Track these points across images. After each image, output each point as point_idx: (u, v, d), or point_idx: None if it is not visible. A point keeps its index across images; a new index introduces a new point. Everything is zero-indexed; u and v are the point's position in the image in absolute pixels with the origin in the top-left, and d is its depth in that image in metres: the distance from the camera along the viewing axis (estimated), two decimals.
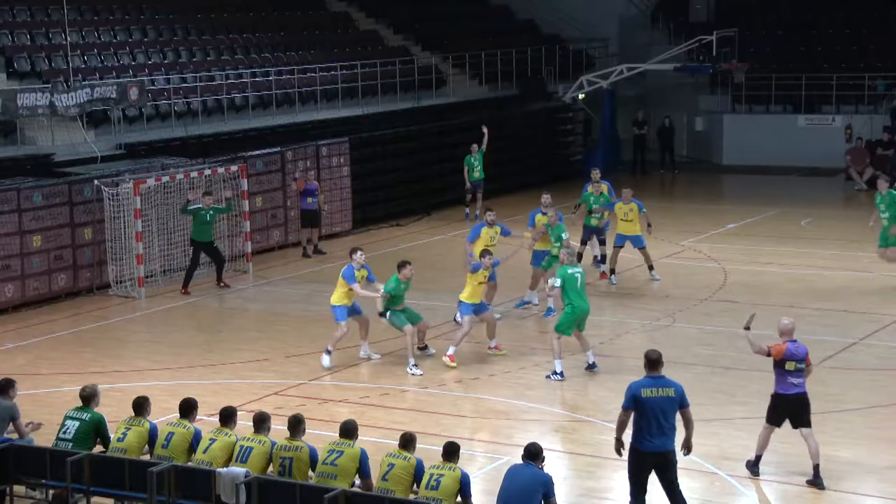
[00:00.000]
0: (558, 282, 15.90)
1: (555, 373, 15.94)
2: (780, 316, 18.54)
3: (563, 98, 35.13)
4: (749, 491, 12.32)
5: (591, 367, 16.20)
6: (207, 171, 22.58)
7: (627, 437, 11.03)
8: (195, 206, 21.27)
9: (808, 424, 12.37)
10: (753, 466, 12.60)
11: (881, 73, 34.59)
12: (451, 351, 16.67)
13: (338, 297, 16.75)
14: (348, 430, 10.88)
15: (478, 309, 16.85)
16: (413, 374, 16.23)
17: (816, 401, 14.70)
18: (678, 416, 10.94)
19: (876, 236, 21.21)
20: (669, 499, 11.04)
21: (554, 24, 39.29)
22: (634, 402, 10.80)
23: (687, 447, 11.16)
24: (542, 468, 10.29)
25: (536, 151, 33.82)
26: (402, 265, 16.56)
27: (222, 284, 21.80)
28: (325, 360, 16.66)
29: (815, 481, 12.31)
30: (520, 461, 10.42)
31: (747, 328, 12.56)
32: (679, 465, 12.99)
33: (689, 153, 37.21)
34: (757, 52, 36.21)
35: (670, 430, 10.84)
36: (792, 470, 12.80)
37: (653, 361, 10.98)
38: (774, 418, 12.48)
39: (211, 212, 21.35)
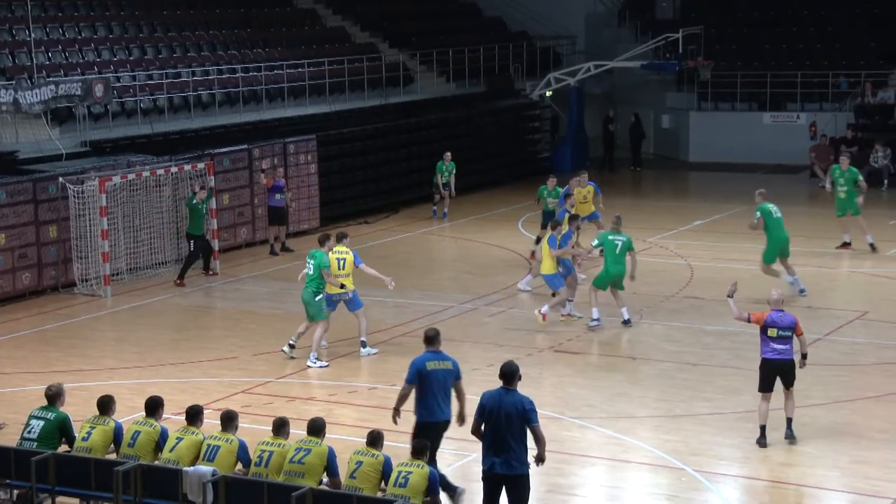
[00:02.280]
0: (596, 241, 18.02)
1: (593, 319, 17.89)
2: (746, 310, 18.76)
3: (531, 95, 35.21)
4: (715, 486, 12.41)
5: (626, 323, 17.91)
6: (174, 169, 22.51)
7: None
8: (196, 201, 21.73)
9: (791, 385, 13.22)
10: (761, 438, 13.22)
11: (845, 71, 34.88)
12: (545, 309, 18.05)
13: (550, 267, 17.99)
14: (316, 428, 10.86)
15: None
16: (317, 367, 16.43)
17: (780, 396, 14.85)
18: None
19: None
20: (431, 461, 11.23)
21: (521, 21, 39.38)
22: (419, 377, 11.39)
23: (461, 418, 11.61)
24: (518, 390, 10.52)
25: (504, 149, 33.86)
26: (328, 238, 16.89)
27: (211, 273, 22.21)
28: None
29: (788, 433, 13.26)
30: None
31: (730, 296, 13.59)
32: (645, 461, 13.13)
33: (655, 150, 37.39)
34: (722, 49, 36.44)
35: (449, 400, 11.57)
36: (757, 465, 12.91)
37: (431, 338, 11.63)
38: (764, 385, 13.22)
39: (205, 205, 21.98)
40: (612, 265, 17.79)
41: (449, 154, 27.69)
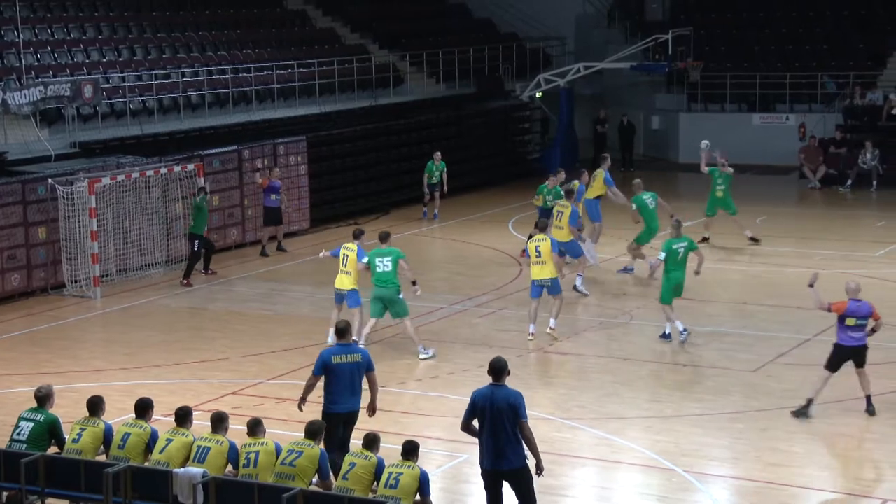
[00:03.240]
0: (662, 255, 17.38)
1: (664, 334, 17.45)
2: (736, 312, 18.84)
3: (521, 96, 35.23)
4: (705, 486, 12.43)
5: (682, 333, 17.32)
6: (164, 170, 22.49)
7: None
8: (203, 201, 22.00)
9: (863, 366, 14.04)
10: (805, 408, 14.01)
11: (833, 73, 34.97)
12: (552, 323, 17.53)
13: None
14: (313, 432, 10.80)
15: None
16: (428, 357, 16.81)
17: (770, 397, 14.96)
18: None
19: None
20: (341, 449, 11.46)
21: (511, 22, 39.41)
22: (325, 369, 11.72)
23: (372, 409, 12.06)
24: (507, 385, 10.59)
25: (494, 150, 33.87)
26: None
27: (210, 272, 22.31)
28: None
29: (869, 409, 14.09)
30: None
31: (811, 285, 14.17)
32: (636, 462, 13.15)
33: (645, 151, 37.43)
34: (712, 50, 36.49)
35: (358, 392, 11.85)
36: (748, 465, 12.94)
37: (340, 330, 11.97)
38: (832, 366, 14.07)
39: (206, 205, 22.26)
40: (674, 272, 17.23)
41: (439, 154, 27.71)
